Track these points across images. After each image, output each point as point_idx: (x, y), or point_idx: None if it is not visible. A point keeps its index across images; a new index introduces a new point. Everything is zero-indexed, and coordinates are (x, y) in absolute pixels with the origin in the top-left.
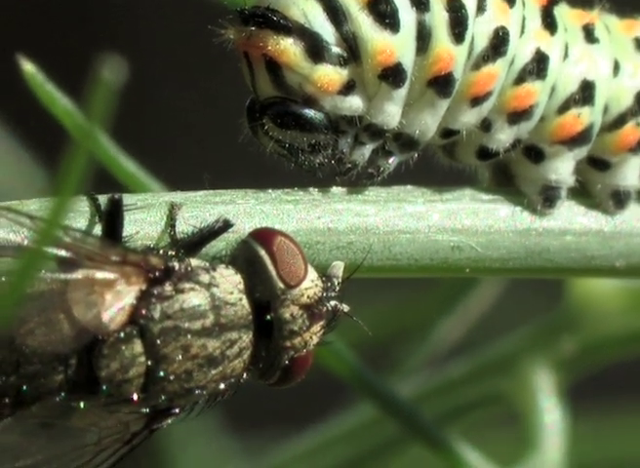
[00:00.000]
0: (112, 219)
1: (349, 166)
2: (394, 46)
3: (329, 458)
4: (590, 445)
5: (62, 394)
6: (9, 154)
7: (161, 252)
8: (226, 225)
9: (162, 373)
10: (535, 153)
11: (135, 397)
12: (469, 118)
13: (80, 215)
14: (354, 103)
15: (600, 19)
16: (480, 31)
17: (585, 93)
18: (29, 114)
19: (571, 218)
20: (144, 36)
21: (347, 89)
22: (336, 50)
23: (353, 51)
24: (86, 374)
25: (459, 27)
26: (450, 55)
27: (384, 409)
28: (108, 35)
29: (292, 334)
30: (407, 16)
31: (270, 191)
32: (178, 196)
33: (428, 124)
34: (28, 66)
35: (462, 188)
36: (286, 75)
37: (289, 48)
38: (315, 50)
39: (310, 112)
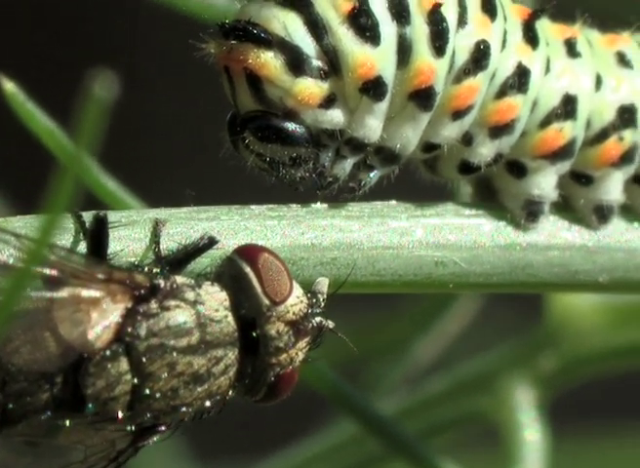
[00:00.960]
0: (97, 237)
1: (330, 180)
2: (375, 59)
3: None
4: (570, 461)
5: (48, 412)
6: None
7: (146, 269)
8: (211, 242)
9: (148, 391)
10: (517, 168)
11: (121, 415)
12: (451, 132)
13: (65, 232)
14: (335, 117)
15: (582, 33)
16: (461, 45)
17: (567, 107)
18: (8, 134)
19: (554, 233)
20: (125, 54)
21: (328, 102)
22: (316, 63)
23: (334, 64)
24: (72, 392)
25: (439, 41)
26: (431, 68)
27: (366, 426)
28: (88, 54)
29: (277, 351)
30: (387, 29)
31: (254, 207)
32: (162, 212)
33: (410, 137)
34: (9, 85)
35: (446, 204)
36: (266, 89)
37: (269, 61)
38: (296, 63)
39: (291, 126)
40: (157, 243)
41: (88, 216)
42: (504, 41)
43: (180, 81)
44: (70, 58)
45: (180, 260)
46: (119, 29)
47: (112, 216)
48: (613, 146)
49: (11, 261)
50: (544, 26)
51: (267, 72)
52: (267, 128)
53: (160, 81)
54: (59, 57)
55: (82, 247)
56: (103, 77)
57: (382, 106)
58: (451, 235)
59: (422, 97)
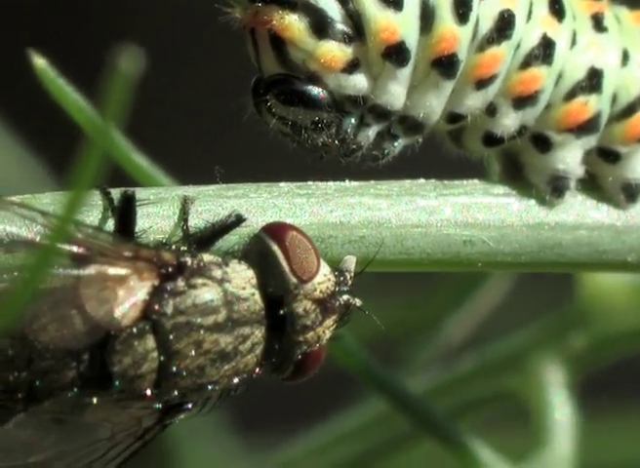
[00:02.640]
0: (125, 214)
1: (353, 147)
2: (397, 24)
3: (339, 454)
4: (601, 441)
5: (75, 389)
6: (17, 149)
7: (173, 247)
8: (239, 220)
9: (175, 369)
10: (542, 142)
11: (147, 392)
12: (474, 101)
13: (93, 209)
14: (358, 82)
15: (610, 9)
16: (485, 13)
17: (593, 80)
18: (38, 110)
19: (583, 213)
20: (154, 29)
21: (352, 67)
22: (340, 27)
23: (358, 29)
24: (98, 370)
25: (463, 8)
26: (453, 35)
27: (395, 404)
28: (116, 29)
29: (305, 329)
30: None
31: (283, 185)
32: (190, 190)
33: (433, 106)
34: (40, 61)
35: (475, 182)
36: (290, 51)
37: (293, 23)
38: (320, 26)
39: (314, 89)
40: (185, 220)
41: (116, 193)
42: (530, 12)
43: (212, 56)
44: (100, 34)
45: (207, 238)
46: (146, 3)
47: (141, 194)
48: None
49: (38, 239)
50: (572, 1)
51: (291, 34)
52: (290, 91)
53: (190, 56)
54: (88, 32)
55: (110, 223)
56: (130, 52)
57: (405, 73)
58: (479, 214)
59: (445, 65)
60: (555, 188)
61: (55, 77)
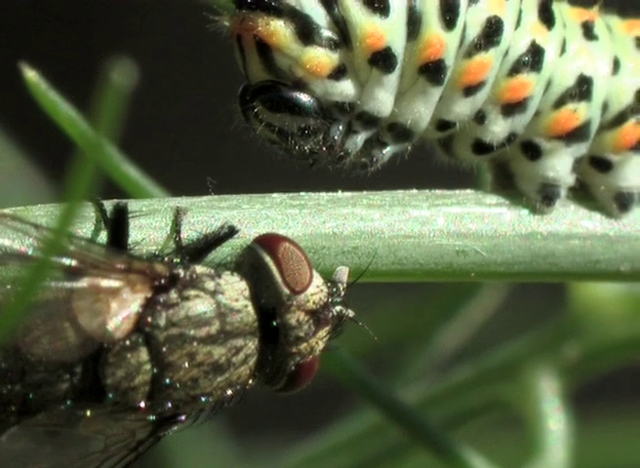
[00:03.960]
0: (118, 226)
1: (341, 154)
2: (384, 30)
3: (333, 465)
4: (594, 450)
5: (68, 402)
6: (9, 161)
7: (166, 259)
8: (232, 231)
9: (168, 381)
10: (532, 149)
11: (141, 404)
12: (463, 108)
13: (85, 221)
14: (345, 89)
15: (601, 17)
16: (472, 19)
17: (582, 88)
18: (31, 122)
19: (575, 222)
20: (145, 40)
21: (338, 73)
22: (326, 33)
23: (344, 35)
24: (92, 382)
25: (450, 14)
26: (440, 41)
27: (388, 415)
28: (108, 42)
29: (298, 340)
30: (397, 0)
31: (275, 196)
32: (183, 201)
33: (421, 113)
34: (31, 74)
35: (467, 192)
36: (276, 57)
37: (279, 29)
38: (305, 32)
39: (300, 96)
40: (178, 232)
41: (109, 205)
42: (519, 19)
43: (203, 67)
44: (91, 47)
45: (200, 250)
46: (135, 16)
47: (133, 205)
48: (631, 130)
49: (30, 252)
50: (562, 9)
51: (277, 40)
52: (276, 97)
53: (181, 68)
54: (79, 45)
55: (102, 236)
56: (122, 65)
57: (392, 79)
58: (472, 224)
59: (432, 71)
60: (545, 196)
61: (46, 90)
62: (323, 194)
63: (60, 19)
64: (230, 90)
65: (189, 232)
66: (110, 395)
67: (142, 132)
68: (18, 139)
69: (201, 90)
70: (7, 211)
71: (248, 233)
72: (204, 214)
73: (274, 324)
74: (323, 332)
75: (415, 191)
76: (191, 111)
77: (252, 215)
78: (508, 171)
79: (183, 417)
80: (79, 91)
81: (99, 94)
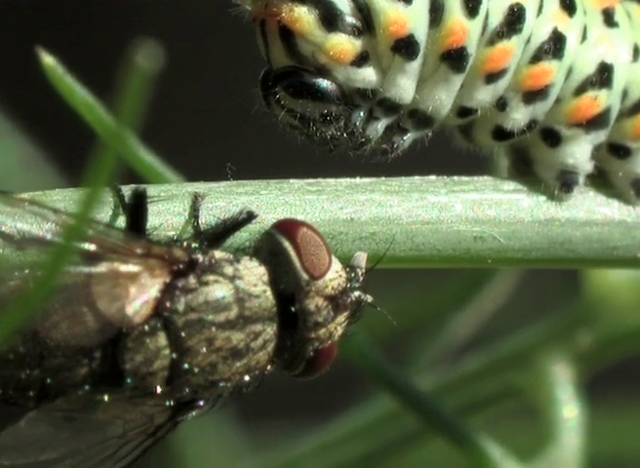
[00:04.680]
0: (136, 211)
1: (362, 140)
2: (407, 17)
3: (346, 451)
4: (608, 437)
5: (87, 387)
6: (24, 150)
7: (185, 244)
8: (250, 217)
9: (186, 366)
10: (551, 136)
11: (159, 390)
12: (484, 95)
13: (104, 206)
14: (367, 75)
15: (621, 4)
16: (495, 7)
17: (603, 75)
18: (47, 108)
19: (593, 209)
20: (162, 26)
21: (361, 60)
22: (350, 19)
23: (367, 21)
24: (110, 367)
25: (472, 1)
26: (463, 28)
27: (404, 401)
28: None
29: (316, 326)
30: None
31: (293, 181)
32: (201, 187)
33: (442, 100)
34: (48, 59)
35: (485, 179)
36: (299, 43)
37: (303, 16)
38: (329, 18)
39: (322, 82)
40: (196, 217)
41: (127, 190)
42: (541, 7)
43: (222, 53)
44: (109, 32)
45: (218, 235)
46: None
47: (151, 190)
48: None
49: (49, 237)
50: None
51: (300, 27)
52: (299, 83)
53: (199, 53)
54: (97, 30)
55: (121, 221)
56: (147, 48)
57: (415, 66)
58: (490, 210)
59: (455, 58)
60: (564, 183)
61: (63, 75)
62: (341, 180)
63: (76, 6)
64: (249, 74)
65: (207, 217)
66: (129, 380)
67: (160, 117)
68: (34, 126)
69: (220, 75)
70: (25, 195)
71: (266, 219)
72: (222, 200)
73: (293, 309)
74: (342, 318)
75: (433, 177)
76: (209, 96)
77: (270, 201)
78: (527, 157)
79: (202, 403)
80: (93, 77)
81: (122, 78)
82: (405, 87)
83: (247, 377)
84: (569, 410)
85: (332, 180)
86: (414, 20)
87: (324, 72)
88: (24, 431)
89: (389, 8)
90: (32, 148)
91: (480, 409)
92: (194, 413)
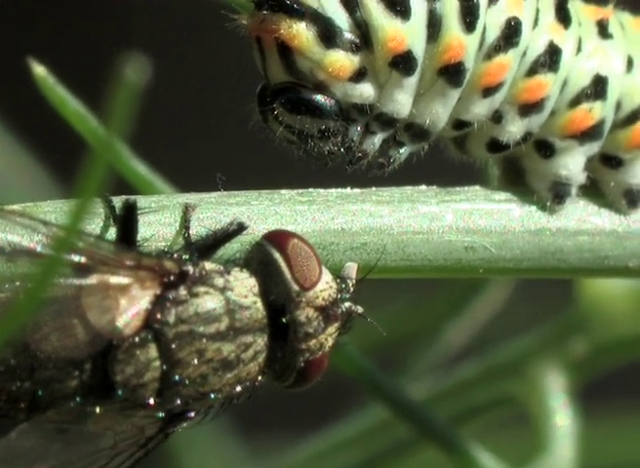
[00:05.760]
0: (127, 222)
1: (359, 155)
2: (405, 33)
3: (339, 461)
4: (601, 446)
5: (77, 399)
6: (14, 158)
7: (175, 255)
8: (241, 228)
9: (177, 378)
10: (545, 148)
11: (150, 401)
12: (481, 109)
13: (94, 217)
14: (365, 91)
15: (614, 15)
16: (492, 21)
17: (597, 87)
18: (38, 117)
19: (584, 218)
20: (152, 36)
21: (359, 76)
22: (348, 36)
23: (365, 38)
24: (101, 379)
25: (470, 16)
26: (460, 43)
27: (396, 410)
28: (117, 38)
29: (307, 337)
30: (418, 4)
31: (284, 192)
32: (192, 197)
33: (439, 114)
34: (39, 69)
35: (476, 188)
36: (297, 60)
37: (301, 32)
38: (327, 35)
39: (321, 98)
40: (187, 228)
41: (118, 201)
42: (536, 19)
43: (213, 63)
44: (100, 43)
45: (209, 246)
46: (148, 12)
47: (142, 201)
48: None
49: (39, 248)
50: (577, 7)
51: (299, 43)
52: (297, 99)
53: (190, 62)
54: (89, 41)
55: (111, 232)
56: (136, 61)
57: (412, 81)
58: (481, 220)
59: (452, 73)
60: (556, 195)
61: (54, 85)
62: (332, 190)
63: (67, 14)
64: (241, 87)
65: (198, 228)
66: (120, 392)
67: (150, 127)
68: (25, 135)
69: (210, 85)
70: (16, 207)
71: (257, 229)
72: (213, 211)
73: (283, 320)
74: (332, 329)
75: (424, 187)
76: (200, 106)
77: (260, 212)
78: (519, 167)
79: (192, 414)
80: (84, 87)
81: (110, 90)
82: (402, 102)
83: (238, 388)
84: (562, 419)
85: (323, 191)
86: (412, 36)
87: (322, 88)
88: (15, 443)
89: (387, 24)
90: (23, 158)
91: (473, 417)
92: (185, 425)
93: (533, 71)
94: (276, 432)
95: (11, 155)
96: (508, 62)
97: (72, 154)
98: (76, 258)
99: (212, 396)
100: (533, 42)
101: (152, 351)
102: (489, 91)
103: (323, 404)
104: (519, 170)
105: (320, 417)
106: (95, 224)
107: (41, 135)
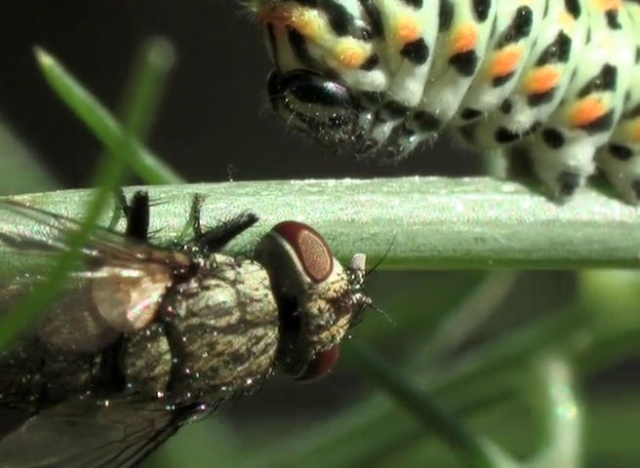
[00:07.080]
0: (138, 214)
1: (369, 143)
2: (417, 21)
3: (343, 453)
4: (604, 438)
5: (88, 392)
6: (16, 153)
7: (186, 248)
8: (251, 219)
9: (188, 371)
10: (554, 137)
11: (160, 394)
12: (491, 98)
13: (106, 209)
14: (376, 79)
15: (623, 5)
16: (503, 10)
17: (607, 77)
18: (45, 110)
19: (594, 210)
20: (160, 26)
21: (370, 64)
22: (359, 23)
23: (377, 25)
24: (111, 372)
25: (482, 5)
26: (472, 32)
27: (401, 402)
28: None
29: (319, 329)
30: None
31: (294, 182)
32: (202, 188)
33: (450, 102)
34: (46, 60)
35: (486, 179)
36: (309, 47)
37: (313, 20)
38: (339, 22)
39: (332, 86)
40: (197, 218)
41: (128, 192)
42: (546, 9)
43: (223, 52)
44: (109, 33)
45: (219, 238)
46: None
47: (152, 192)
48: None
49: (50, 241)
50: None
51: (310, 31)
52: (308, 87)
53: (200, 51)
54: (96, 31)
55: (122, 223)
56: (159, 48)
57: (423, 69)
58: (491, 211)
59: (463, 62)
60: (565, 185)
61: (61, 75)
62: (342, 181)
63: (74, 7)
64: (250, 75)
65: (208, 219)
66: (130, 385)
67: (160, 118)
68: (30, 130)
69: (222, 74)
70: (26, 197)
71: (266, 220)
72: (223, 201)
73: (295, 313)
74: (344, 320)
75: (433, 178)
76: (211, 96)
77: (270, 202)
78: (527, 157)
79: (203, 407)
80: (92, 77)
81: (133, 77)
82: (413, 90)
83: (249, 381)
84: (565, 411)
85: (332, 181)
86: (423, 24)
87: (333, 76)
88: (25, 436)
89: (399, 12)
90: (31, 149)
91: (477, 409)
92: (195, 417)
93: (543, 61)
94: (279, 424)
95: (19, 146)
96: (519, 52)
97: (80, 145)
98: (87, 251)
99: (222, 389)
100: (543, 32)
101: (163, 344)
102: (499, 80)
103: (327, 395)
104: (527, 160)
105: (324, 409)
106: (106, 216)
107: (48, 125)
